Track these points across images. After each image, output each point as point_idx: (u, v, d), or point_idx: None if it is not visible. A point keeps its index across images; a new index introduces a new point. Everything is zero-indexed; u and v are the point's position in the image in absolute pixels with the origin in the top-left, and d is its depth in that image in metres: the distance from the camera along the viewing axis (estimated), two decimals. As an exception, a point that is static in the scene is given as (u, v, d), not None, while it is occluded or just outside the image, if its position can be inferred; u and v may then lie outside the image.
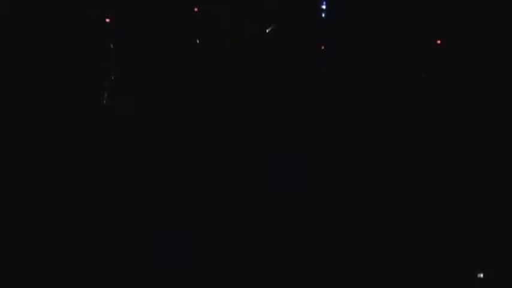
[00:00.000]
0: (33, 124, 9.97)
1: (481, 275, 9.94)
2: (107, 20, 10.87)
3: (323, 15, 10.47)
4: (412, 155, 14.08)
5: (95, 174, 9.88)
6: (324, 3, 10.34)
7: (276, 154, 11.24)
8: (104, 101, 11.50)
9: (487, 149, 12.44)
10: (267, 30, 11.02)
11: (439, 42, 10.50)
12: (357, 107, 14.18)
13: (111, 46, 11.14)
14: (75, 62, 11.00)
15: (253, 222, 10.05)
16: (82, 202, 9.61)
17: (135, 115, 10.77)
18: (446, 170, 12.86)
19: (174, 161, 10.30)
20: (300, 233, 10.12)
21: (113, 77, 11.67)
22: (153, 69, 12.45)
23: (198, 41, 11.32)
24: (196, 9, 10.80)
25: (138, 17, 11.03)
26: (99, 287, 9.04)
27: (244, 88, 14.08)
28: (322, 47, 11.29)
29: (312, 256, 10.01)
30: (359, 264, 10.42)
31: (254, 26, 11.09)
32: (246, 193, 10.25)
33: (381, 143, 14.46)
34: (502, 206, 12.25)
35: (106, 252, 9.35)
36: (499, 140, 12.42)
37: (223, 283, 9.48)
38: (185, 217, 9.93)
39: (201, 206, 10.06)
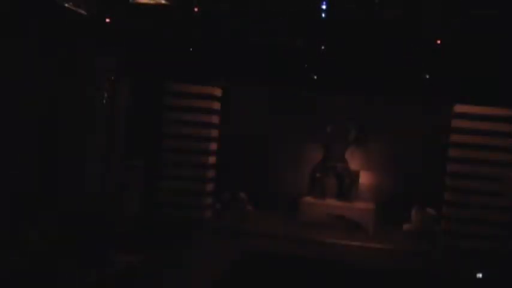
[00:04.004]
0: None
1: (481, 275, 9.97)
2: (107, 20, 10.87)
3: (323, 15, 10.46)
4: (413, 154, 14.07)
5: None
6: (324, 3, 10.34)
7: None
8: (104, 101, 11.53)
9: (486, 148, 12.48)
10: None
11: (439, 42, 10.50)
12: (356, 106, 14.25)
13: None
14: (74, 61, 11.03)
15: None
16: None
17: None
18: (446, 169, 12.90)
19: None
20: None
21: (112, 77, 11.70)
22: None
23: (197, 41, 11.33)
24: (196, 9, 10.80)
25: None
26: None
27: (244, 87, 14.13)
28: (322, 47, 11.30)
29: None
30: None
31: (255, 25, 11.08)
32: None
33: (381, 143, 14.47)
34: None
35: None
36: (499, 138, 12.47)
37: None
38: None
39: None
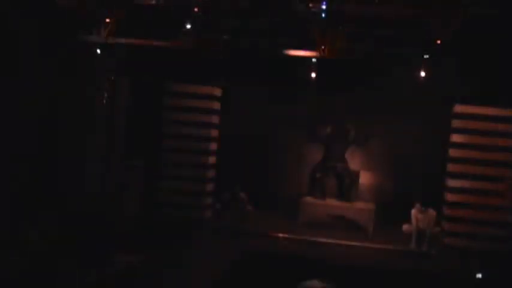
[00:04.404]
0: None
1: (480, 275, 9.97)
2: (107, 20, 10.88)
3: (323, 15, 10.45)
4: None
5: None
6: (324, 3, 10.33)
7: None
8: (104, 101, 11.54)
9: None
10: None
11: (439, 42, 10.47)
12: (356, 106, 14.24)
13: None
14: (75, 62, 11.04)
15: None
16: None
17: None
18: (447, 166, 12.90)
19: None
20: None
21: (112, 77, 11.71)
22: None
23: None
24: (196, 9, 10.79)
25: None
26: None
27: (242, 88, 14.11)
28: (323, 47, 11.27)
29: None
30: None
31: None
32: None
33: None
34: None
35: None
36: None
37: None
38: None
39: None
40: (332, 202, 13.82)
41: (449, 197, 12.58)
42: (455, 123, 12.61)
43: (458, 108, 12.59)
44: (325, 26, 10.56)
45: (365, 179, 14.44)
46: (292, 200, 13.94)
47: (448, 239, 12.38)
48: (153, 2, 10.86)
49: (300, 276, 9.53)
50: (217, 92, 13.72)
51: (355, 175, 14.20)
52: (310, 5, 10.22)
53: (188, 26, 10.80)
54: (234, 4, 10.59)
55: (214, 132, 13.76)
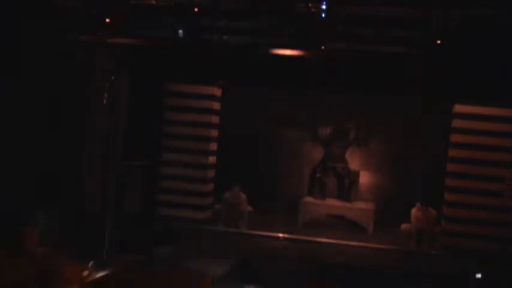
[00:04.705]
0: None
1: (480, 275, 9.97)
2: (107, 20, 10.87)
3: (323, 15, 10.45)
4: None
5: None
6: (324, 3, 10.34)
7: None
8: (104, 101, 11.53)
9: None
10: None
11: (439, 42, 10.48)
12: (356, 106, 14.24)
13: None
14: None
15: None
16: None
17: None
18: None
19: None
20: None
21: (113, 77, 11.71)
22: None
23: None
24: (196, 10, 10.79)
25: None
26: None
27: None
28: (322, 47, 11.28)
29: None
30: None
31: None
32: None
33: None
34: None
35: None
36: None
37: None
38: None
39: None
40: (332, 202, 13.84)
41: (449, 197, 12.59)
42: (455, 123, 12.62)
43: (458, 108, 12.59)
44: (325, 26, 10.58)
45: (365, 179, 14.46)
46: (292, 200, 13.95)
47: (448, 239, 12.39)
48: (153, 1, 10.87)
49: (300, 276, 9.56)
50: (217, 92, 13.71)
51: (355, 175, 14.22)
52: (310, 5, 10.22)
53: (187, 27, 10.83)
54: (234, 4, 10.59)
55: (214, 132, 13.76)
